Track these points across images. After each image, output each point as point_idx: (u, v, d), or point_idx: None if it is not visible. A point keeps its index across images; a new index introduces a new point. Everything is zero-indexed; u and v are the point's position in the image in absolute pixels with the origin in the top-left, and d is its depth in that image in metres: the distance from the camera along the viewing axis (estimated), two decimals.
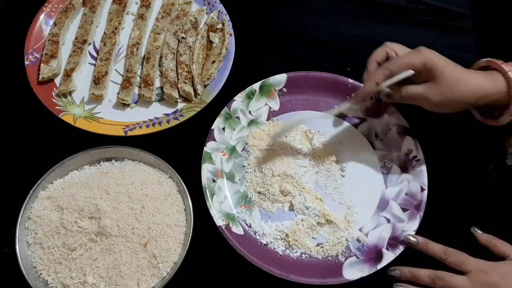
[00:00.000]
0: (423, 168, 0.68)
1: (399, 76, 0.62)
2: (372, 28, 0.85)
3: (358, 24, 0.85)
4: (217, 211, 0.66)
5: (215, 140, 0.71)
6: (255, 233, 0.66)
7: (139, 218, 0.63)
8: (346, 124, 0.74)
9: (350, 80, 0.75)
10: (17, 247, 0.61)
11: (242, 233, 0.65)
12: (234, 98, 0.74)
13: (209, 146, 0.70)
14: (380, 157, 0.71)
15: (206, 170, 0.68)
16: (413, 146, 0.70)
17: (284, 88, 0.76)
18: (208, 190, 0.67)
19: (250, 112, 0.75)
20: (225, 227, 0.64)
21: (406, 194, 0.68)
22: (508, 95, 0.61)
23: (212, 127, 0.71)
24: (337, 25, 0.85)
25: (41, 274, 0.61)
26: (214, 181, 0.68)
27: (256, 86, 0.75)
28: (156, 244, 0.62)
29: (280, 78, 0.76)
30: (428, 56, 0.61)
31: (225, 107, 0.73)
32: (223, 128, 0.72)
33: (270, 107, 0.75)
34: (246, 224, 0.67)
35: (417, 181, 0.68)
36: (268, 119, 0.75)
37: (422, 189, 0.67)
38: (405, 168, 0.69)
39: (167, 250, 0.62)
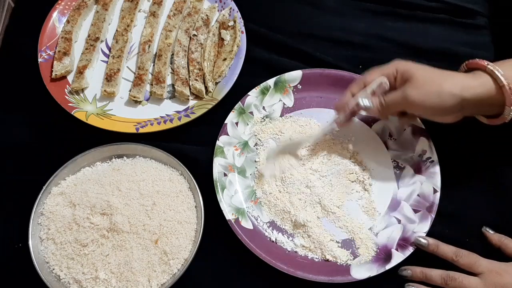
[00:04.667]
0: (437, 169, 0.67)
1: (372, 84, 0.63)
2: (384, 25, 0.83)
3: (370, 22, 0.84)
4: (227, 205, 0.66)
5: (227, 134, 0.71)
6: (264, 229, 0.66)
7: (150, 214, 0.63)
8: (360, 122, 0.73)
9: None
10: (30, 242, 0.62)
11: (251, 227, 0.65)
12: (248, 94, 0.74)
13: (221, 140, 0.70)
14: (394, 157, 0.70)
15: (217, 164, 0.68)
16: (427, 147, 0.69)
17: (298, 85, 0.75)
18: (219, 183, 0.67)
19: (264, 107, 0.74)
20: (234, 221, 0.64)
21: (418, 195, 0.67)
22: (497, 88, 0.58)
23: (226, 121, 0.71)
24: (349, 22, 0.84)
25: (53, 269, 0.61)
26: (225, 175, 0.68)
27: (270, 82, 0.75)
28: (167, 240, 0.62)
29: (295, 75, 0.75)
30: (401, 62, 0.63)
31: (239, 102, 0.73)
32: (236, 123, 0.72)
33: (284, 104, 0.75)
34: (256, 219, 0.67)
35: (430, 183, 0.67)
36: (281, 115, 0.74)
37: (435, 191, 0.66)
38: (418, 169, 0.68)
39: (178, 246, 0.62)
